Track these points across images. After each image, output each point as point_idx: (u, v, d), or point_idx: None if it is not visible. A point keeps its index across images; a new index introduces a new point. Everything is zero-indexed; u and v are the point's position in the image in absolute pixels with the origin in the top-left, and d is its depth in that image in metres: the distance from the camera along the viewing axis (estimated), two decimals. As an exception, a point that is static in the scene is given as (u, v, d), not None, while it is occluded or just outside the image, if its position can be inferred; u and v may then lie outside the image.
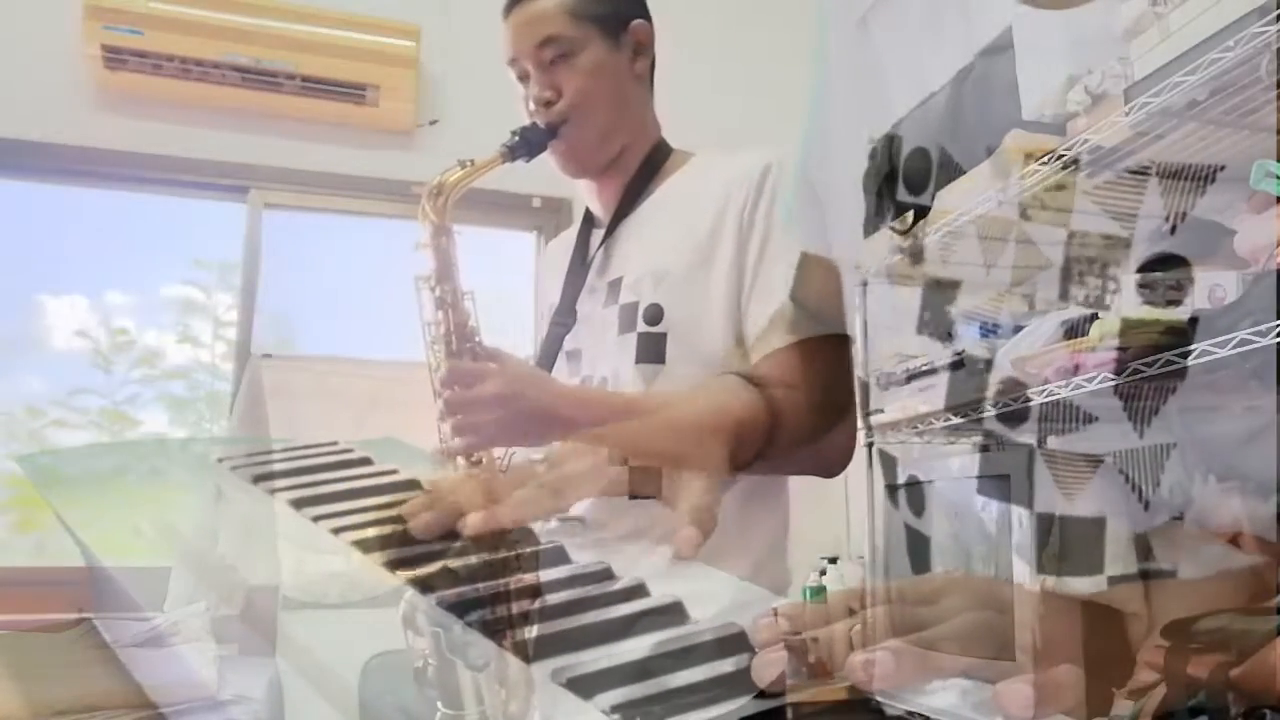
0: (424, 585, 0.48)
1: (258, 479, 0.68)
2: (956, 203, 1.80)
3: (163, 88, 2.60)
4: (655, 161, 1.13)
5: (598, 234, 1.14)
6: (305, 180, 2.75)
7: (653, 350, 1.01)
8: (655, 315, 1.02)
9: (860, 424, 2.06)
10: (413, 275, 1.02)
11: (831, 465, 1.01)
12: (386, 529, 0.55)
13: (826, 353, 0.93)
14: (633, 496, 0.57)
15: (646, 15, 1.13)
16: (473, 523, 0.52)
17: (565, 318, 1.11)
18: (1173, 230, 1.42)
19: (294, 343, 2.86)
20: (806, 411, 0.85)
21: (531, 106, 1.07)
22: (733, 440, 0.71)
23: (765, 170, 1.02)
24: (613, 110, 1.09)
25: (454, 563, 0.50)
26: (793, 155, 1.05)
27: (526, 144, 1.05)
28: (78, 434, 2.74)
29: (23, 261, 2.73)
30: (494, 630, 0.44)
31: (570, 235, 1.20)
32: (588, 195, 1.17)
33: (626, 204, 1.12)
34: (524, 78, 1.09)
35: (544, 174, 1.13)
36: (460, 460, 0.95)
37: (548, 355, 1.11)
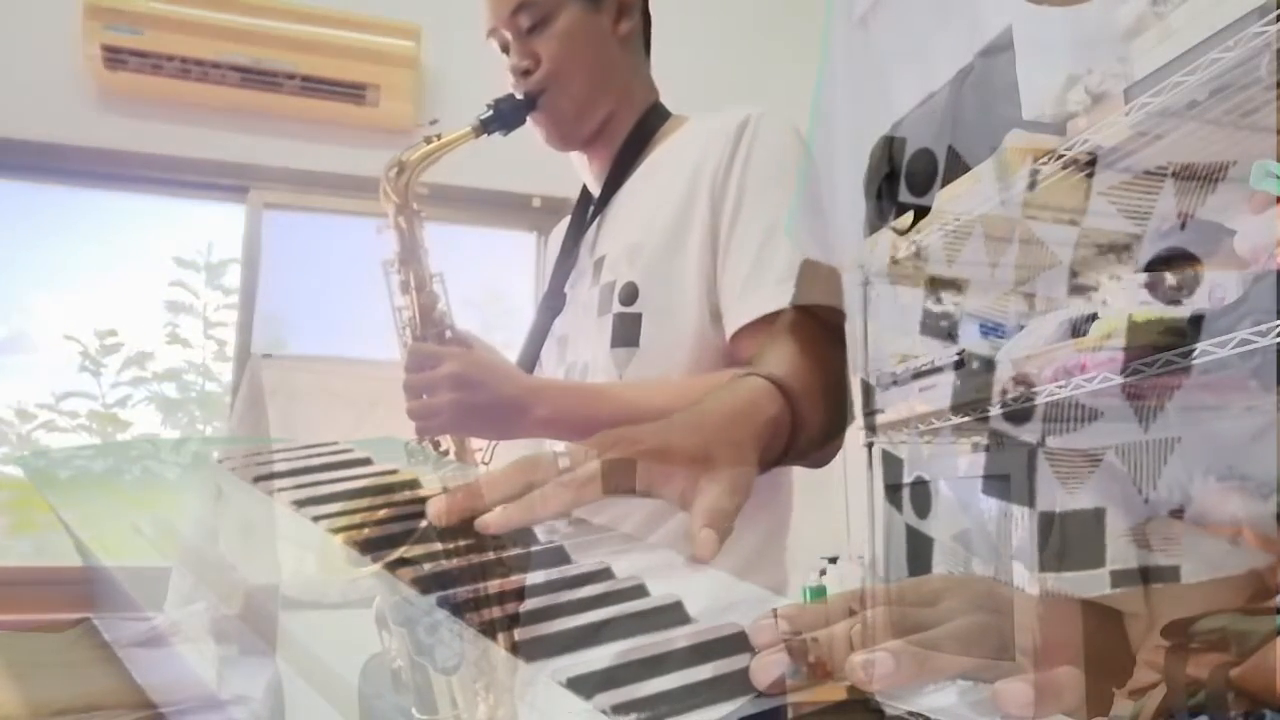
0: (422, 585, 0.48)
1: (257, 479, 0.68)
2: (957, 203, 1.80)
3: (163, 88, 2.60)
4: (647, 129, 1.06)
5: (592, 211, 1.09)
6: (305, 180, 2.75)
7: (628, 333, 0.96)
8: (630, 294, 0.96)
9: (860, 424, 2.05)
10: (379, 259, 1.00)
11: (818, 455, 0.92)
12: (386, 529, 0.55)
13: (807, 329, 0.87)
14: (606, 491, 0.56)
15: None
16: (490, 521, 0.52)
17: (553, 301, 1.06)
18: (1183, 227, 1.42)
19: (293, 343, 2.86)
20: (820, 404, 0.80)
21: (510, 78, 1.03)
22: (763, 441, 0.69)
23: (741, 126, 0.96)
24: (593, 76, 1.03)
25: (453, 563, 0.50)
26: (778, 114, 0.98)
27: (500, 117, 1.00)
28: (68, 437, 2.74)
29: (19, 262, 2.73)
30: (491, 631, 0.43)
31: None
32: (580, 169, 1.11)
33: (617, 176, 1.06)
34: (505, 49, 1.04)
35: (544, 174, 1.12)
36: (429, 448, 0.93)
37: (534, 341, 1.06)
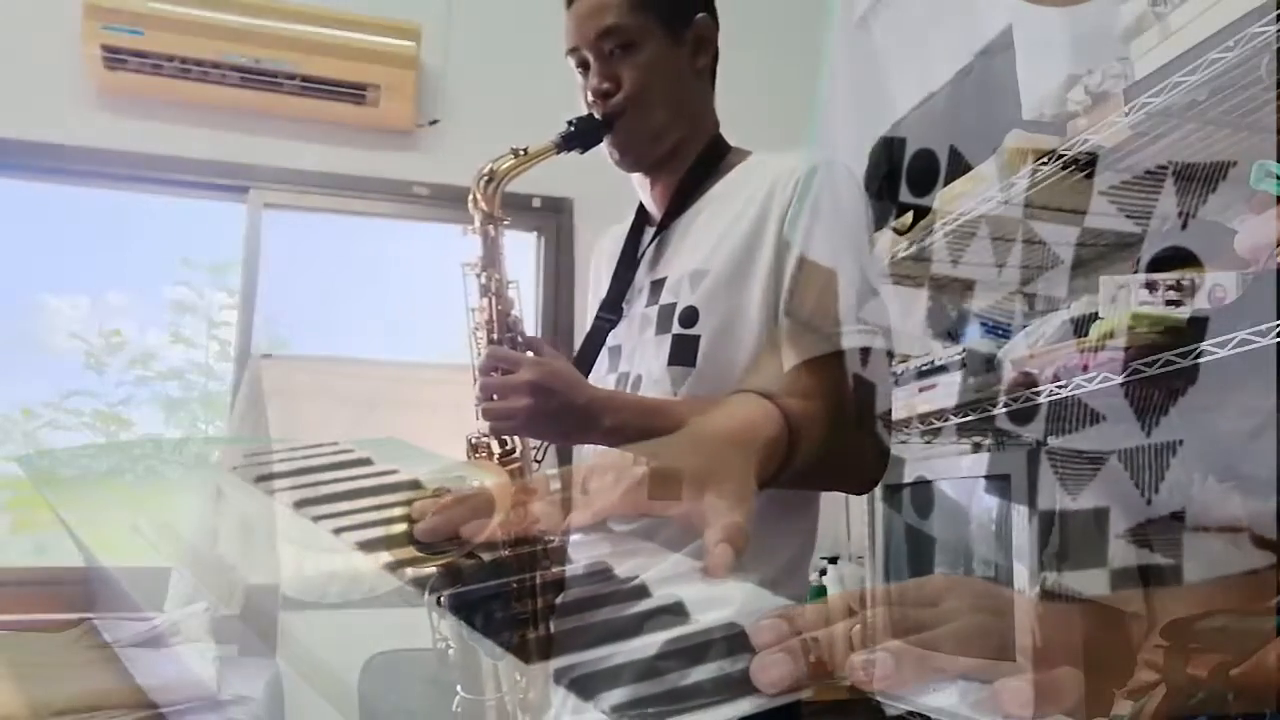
0: (424, 585, 0.48)
1: (258, 479, 0.68)
2: (957, 202, 1.80)
3: (163, 88, 2.59)
4: (711, 159, 1.12)
5: (649, 231, 1.14)
6: (305, 180, 2.75)
7: (685, 353, 1.01)
8: (690, 318, 1.01)
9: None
10: (460, 262, 1.05)
11: (857, 481, 1.02)
12: (387, 529, 0.55)
13: (836, 368, 0.93)
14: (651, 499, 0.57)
15: (711, 10, 1.13)
16: (473, 531, 0.52)
17: (611, 314, 1.11)
18: (1183, 226, 1.43)
19: (292, 343, 2.86)
20: (821, 427, 0.84)
21: (589, 98, 1.07)
22: (760, 457, 0.70)
23: (810, 173, 1.00)
24: (670, 105, 1.08)
25: (454, 563, 0.50)
26: (842, 163, 1.04)
27: (581, 135, 1.05)
28: (72, 435, 2.74)
29: (21, 262, 2.73)
30: (494, 630, 0.44)
31: (623, 229, 1.19)
32: (641, 190, 1.16)
33: (679, 202, 1.11)
34: (583, 67, 1.09)
35: (544, 174, 1.12)
36: (494, 446, 0.98)
37: (591, 350, 1.11)
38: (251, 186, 2.74)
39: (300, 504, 0.61)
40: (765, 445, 0.71)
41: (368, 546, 0.53)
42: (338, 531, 0.56)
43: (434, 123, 2.83)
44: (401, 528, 0.54)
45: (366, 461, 0.70)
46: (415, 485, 0.65)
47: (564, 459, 1.06)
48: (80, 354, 2.77)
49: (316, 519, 0.58)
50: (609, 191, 1.33)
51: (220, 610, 2.28)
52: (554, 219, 2.89)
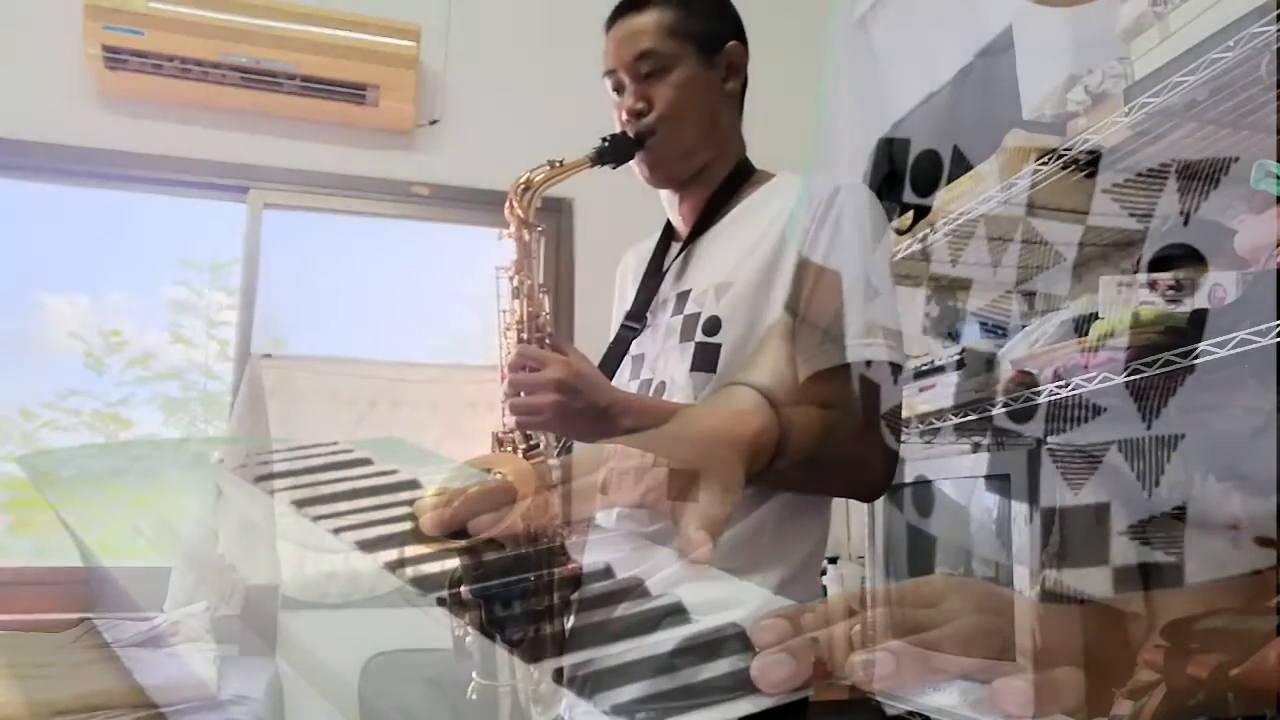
0: (423, 584, 0.48)
1: (258, 479, 0.68)
2: (958, 202, 1.80)
3: (163, 88, 2.59)
4: (737, 179, 1.16)
5: (675, 246, 1.19)
6: (305, 180, 2.75)
7: (707, 359, 1.04)
8: (713, 327, 1.05)
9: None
10: (494, 265, 1.12)
11: (866, 487, 1.05)
12: (386, 529, 0.55)
13: (844, 378, 0.96)
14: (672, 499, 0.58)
15: (742, 38, 1.17)
16: (479, 526, 0.52)
17: (636, 323, 1.15)
18: (1185, 225, 1.43)
19: (292, 343, 2.86)
20: (820, 431, 0.87)
21: (623, 116, 1.13)
22: (749, 451, 0.71)
23: (833, 194, 1.04)
24: (700, 126, 1.13)
25: (479, 554, 0.50)
26: (862, 185, 1.08)
27: (614, 150, 1.11)
28: (71, 436, 2.74)
29: (21, 262, 2.73)
30: (511, 624, 0.44)
31: (647, 245, 1.24)
32: (669, 207, 1.21)
33: (706, 219, 1.15)
34: (619, 89, 1.14)
35: (544, 175, 1.14)
36: (519, 441, 1.03)
37: (615, 356, 1.15)
38: (251, 186, 2.73)
39: (300, 504, 0.61)
40: (753, 438, 0.72)
41: (369, 546, 0.53)
42: (338, 531, 0.56)
43: (434, 123, 2.82)
44: (396, 528, 0.54)
45: (366, 461, 0.70)
46: (415, 485, 0.65)
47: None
48: (79, 354, 2.77)
49: (316, 519, 0.58)
50: (608, 193, 1.34)
51: (220, 610, 2.28)
52: (554, 219, 2.89)
